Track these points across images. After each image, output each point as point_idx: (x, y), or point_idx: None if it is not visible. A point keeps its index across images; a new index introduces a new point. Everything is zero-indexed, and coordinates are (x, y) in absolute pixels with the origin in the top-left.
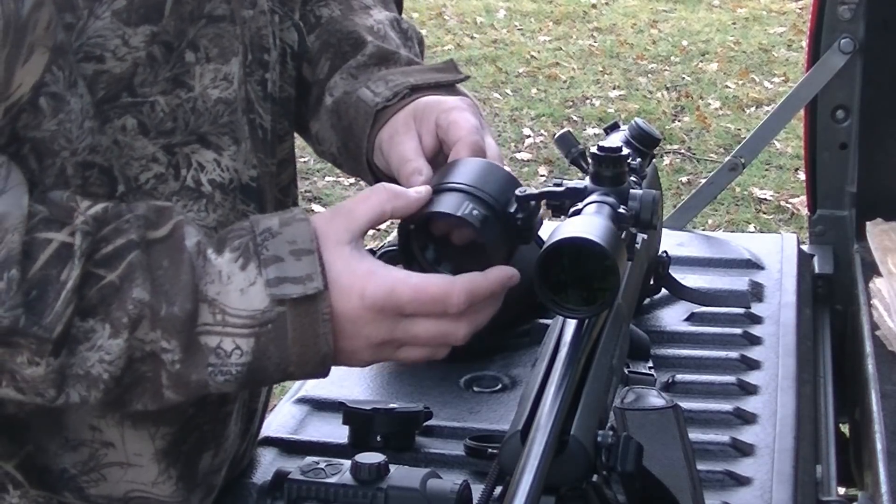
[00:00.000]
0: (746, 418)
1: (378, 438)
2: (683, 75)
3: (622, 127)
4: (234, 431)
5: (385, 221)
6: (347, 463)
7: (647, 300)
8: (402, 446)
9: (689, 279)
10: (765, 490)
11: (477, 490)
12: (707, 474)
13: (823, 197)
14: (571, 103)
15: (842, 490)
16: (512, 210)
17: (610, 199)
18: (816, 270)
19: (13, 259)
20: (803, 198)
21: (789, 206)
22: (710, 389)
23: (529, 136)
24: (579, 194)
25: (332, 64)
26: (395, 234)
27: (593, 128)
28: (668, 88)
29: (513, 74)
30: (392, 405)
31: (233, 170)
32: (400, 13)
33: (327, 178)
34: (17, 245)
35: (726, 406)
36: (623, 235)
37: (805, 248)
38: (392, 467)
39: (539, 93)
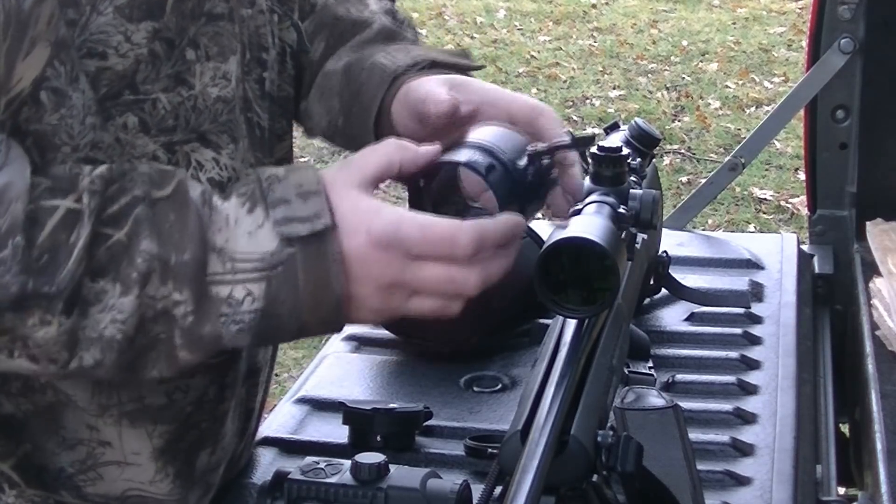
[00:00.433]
0: (746, 418)
1: (378, 438)
2: (683, 75)
3: (622, 127)
4: (231, 430)
5: (394, 173)
6: (347, 463)
7: (647, 300)
8: (402, 446)
9: (689, 279)
10: (765, 490)
11: (477, 490)
12: (707, 474)
13: (823, 197)
14: (571, 103)
15: (842, 490)
16: (522, 165)
17: (610, 199)
18: (816, 270)
19: (17, 226)
20: (803, 198)
21: (789, 206)
22: (710, 389)
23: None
24: (588, 143)
25: (327, 45)
26: None
27: (593, 128)
28: (668, 88)
29: (513, 74)
30: (392, 405)
31: (231, 168)
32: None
33: None
34: (21, 213)
35: (726, 406)
36: (623, 235)
37: (805, 248)
38: (392, 467)
39: (539, 93)
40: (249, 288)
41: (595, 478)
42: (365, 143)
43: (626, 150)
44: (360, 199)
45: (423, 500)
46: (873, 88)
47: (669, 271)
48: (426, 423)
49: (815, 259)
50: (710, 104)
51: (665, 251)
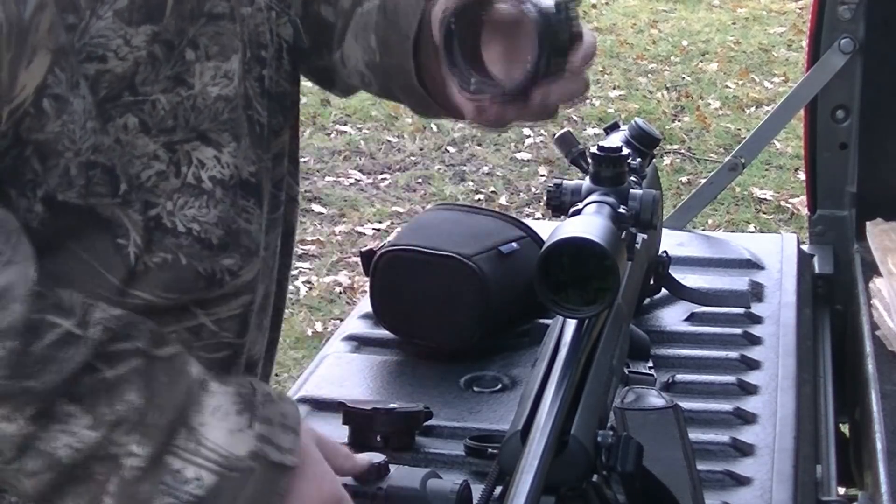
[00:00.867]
0: (746, 418)
1: (378, 438)
2: (683, 75)
3: (622, 127)
4: None
5: (342, 468)
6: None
7: (647, 300)
8: (402, 446)
9: (689, 279)
10: (765, 490)
11: (477, 490)
12: (707, 474)
13: (823, 197)
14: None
15: (842, 490)
16: (550, 9)
17: (610, 199)
18: (816, 270)
19: (15, 330)
20: (803, 198)
21: (789, 206)
22: (710, 389)
23: (529, 136)
24: None
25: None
26: (394, 234)
27: (593, 128)
28: (668, 88)
29: None
30: (392, 405)
31: (233, 166)
32: None
33: (327, 178)
34: (21, 317)
35: (726, 406)
36: (623, 235)
37: (805, 248)
38: (392, 467)
39: None
40: (201, 474)
41: (595, 478)
42: (404, 72)
43: (626, 150)
44: (322, 462)
45: (423, 500)
46: (873, 88)
47: (669, 271)
48: (426, 422)
49: (815, 259)
50: (710, 104)
51: (665, 251)
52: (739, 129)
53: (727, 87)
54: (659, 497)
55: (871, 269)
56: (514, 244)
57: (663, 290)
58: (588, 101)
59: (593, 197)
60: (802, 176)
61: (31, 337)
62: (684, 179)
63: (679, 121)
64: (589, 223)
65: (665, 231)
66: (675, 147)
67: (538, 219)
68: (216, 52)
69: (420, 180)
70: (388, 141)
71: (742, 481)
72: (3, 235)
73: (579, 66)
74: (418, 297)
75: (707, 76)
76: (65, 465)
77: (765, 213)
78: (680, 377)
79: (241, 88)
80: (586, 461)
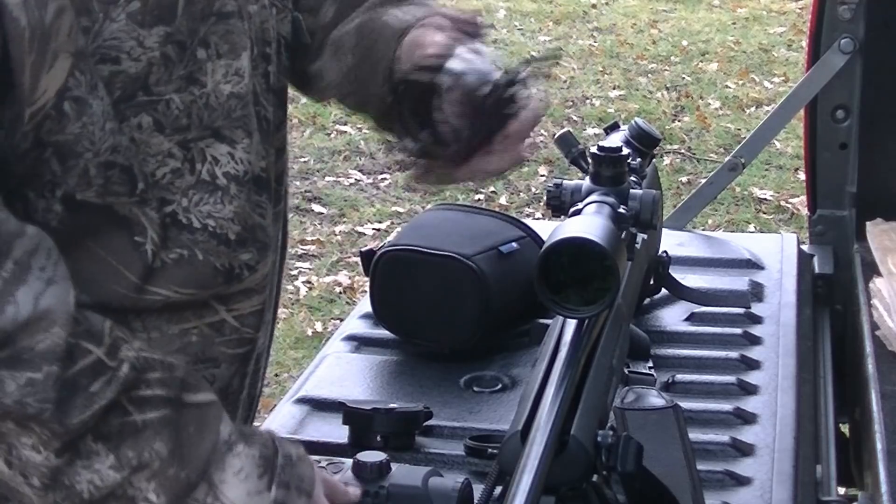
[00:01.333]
0: (746, 418)
1: (378, 438)
2: (683, 75)
3: (622, 127)
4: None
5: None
6: (349, 462)
7: (647, 300)
8: (402, 446)
9: (689, 279)
10: (765, 490)
11: (477, 490)
12: (707, 474)
13: (823, 197)
14: (571, 103)
15: (842, 490)
16: (482, 94)
17: (610, 199)
18: (816, 270)
19: (56, 355)
20: (803, 198)
21: (789, 206)
22: (710, 389)
23: (529, 136)
24: (554, 56)
25: (338, 8)
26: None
27: (593, 128)
28: (668, 88)
29: None
30: (392, 405)
31: (246, 162)
32: None
33: (327, 178)
34: (62, 341)
35: (726, 406)
36: (623, 235)
37: (805, 248)
38: (393, 465)
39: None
40: None
41: (595, 478)
42: (377, 98)
43: (626, 150)
44: None
45: (425, 498)
46: (873, 88)
47: (669, 271)
48: (426, 422)
49: (815, 259)
50: (710, 104)
51: (665, 251)
52: (739, 129)
53: (727, 87)
54: (659, 497)
55: (871, 269)
56: (514, 244)
57: (663, 290)
58: (588, 101)
59: (593, 197)
60: (802, 176)
61: (68, 362)
62: (684, 179)
63: (679, 121)
64: (589, 223)
65: (665, 231)
66: (675, 147)
67: (538, 219)
68: (227, 50)
69: None
70: (388, 141)
71: (742, 481)
72: (45, 252)
73: (511, 142)
74: (418, 297)
75: (707, 76)
76: (83, 499)
77: (765, 213)
78: (680, 377)
79: (251, 85)
80: (586, 461)
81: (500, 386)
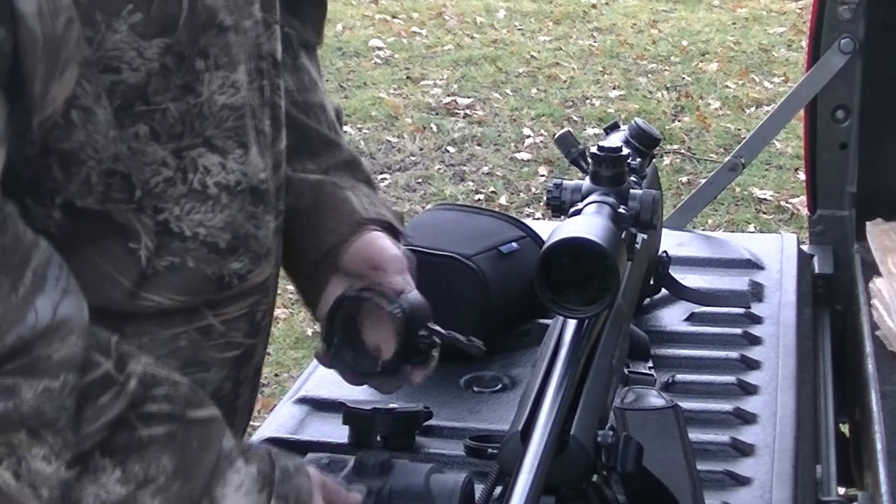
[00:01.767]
0: (746, 418)
1: (378, 438)
2: (683, 75)
3: (622, 127)
4: (241, 426)
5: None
6: (351, 459)
7: (647, 300)
8: (403, 446)
9: (689, 279)
10: (765, 490)
11: (477, 490)
12: (707, 474)
13: (823, 197)
14: (571, 103)
15: (842, 490)
16: (422, 334)
17: (610, 199)
18: (816, 270)
19: (73, 363)
20: (803, 198)
21: (789, 206)
22: (710, 389)
23: (529, 136)
24: (474, 349)
25: (294, 146)
26: None
27: (593, 128)
28: (668, 88)
29: (513, 74)
30: (392, 405)
31: (239, 173)
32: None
33: None
34: (80, 351)
35: (726, 406)
36: (623, 235)
37: (805, 248)
38: (395, 462)
39: (539, 93)
40: None
41: (595, 478)
42: (301, 257)
43: (626, 150)
44: None
45: (427, 496)
46: (873, 88)
47: (669, 271)
48: (426, 422)
49: (815, 259)
50: (710, 104)
51: (665, 251)
52: (739, 129)
53: (727, 87)
54: (659, 497)
55: (871, 269)
56: (514, 244)
57: (663, 290)
58: (588, 101)
59: (593, 197)
60: (802, 176)
61: (82, 373)
62: (684, 179)
63: (679, 121)
64: (589, 223)
65: (665, 231)
66: (675, 147)
67: (538, 219)
68: (225, 62)
69: (420, 180)
70: (388, 141)
71: (742, 481)
72: (57, 264)
73: (413, 381)
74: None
75: (707, 76)
76: None
77: (765, 213)
78: (680, 377)
79: (248, 98)
80: (586, 461)
81: (500, 386)
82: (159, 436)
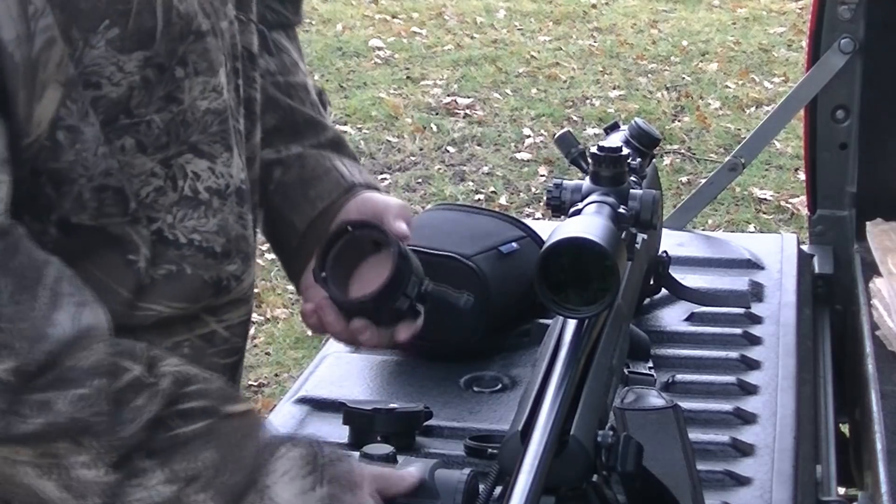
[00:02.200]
0: (746, 418)
1: (378, 438)
2: (683, 75)
3: (622, 127)
4: None
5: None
6: (355, 455)
7: (647, 300)
8: (403, 446)
9: (689, 279)
10: (765, 490)
11: None
12: (707, 474)
13: (823, 197)
14: (571, 103)
15: (842, 490)
16: (414, 282)
17: (610, 199)
18: (816, 270)
19: (101, 369)
20: (803, 198)
21: (789, 206)
22: (710, 389)
23: (529, 136)
24: None
25: (277, 128)
26: None
27: (593, 128)
28: (668, 88)
29: (513, 74)
30: (392, 405)
31: (227, 175)
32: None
33: None
34: (105, 357)
35: (726, 406)
36: (623, 235)
37: (805, 248)
38: (400, 458)
39: (539, 93)
40: None
41: (595, 478)
42: (289, 225)
43: (626, 150)
44: None
45: (432, 490)
46: (873, 88)
47: (669, 271)
48: (426, 423)
49: (815, 259)
50: (710, 104)
51: (665, 251)
52: (739, 129)
53: (727, 87)
54: (659, 497)
55: (871, 269)
56: (514, 244)
57: (663, 290)
58: (588, 101)
59: (593, 197)
60: (802, 176)
61: (113, 378)
62: (684, 179)
63: (679, 121)
64: (589, 223)
65: (665, 231)
66: (675, 147)
67: (538, 219)
68: (204, 68)
69: (420, 180)
70: (388, 141)
71: (742, 481)
72: (69, 279)
73: (398, 337)
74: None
75: (707, 76)
76: None
77: (765, 213)
78: (680, 377)
79: (228, 100)
80: (586, 461)
81: (500, 386)
82: (199, 431)
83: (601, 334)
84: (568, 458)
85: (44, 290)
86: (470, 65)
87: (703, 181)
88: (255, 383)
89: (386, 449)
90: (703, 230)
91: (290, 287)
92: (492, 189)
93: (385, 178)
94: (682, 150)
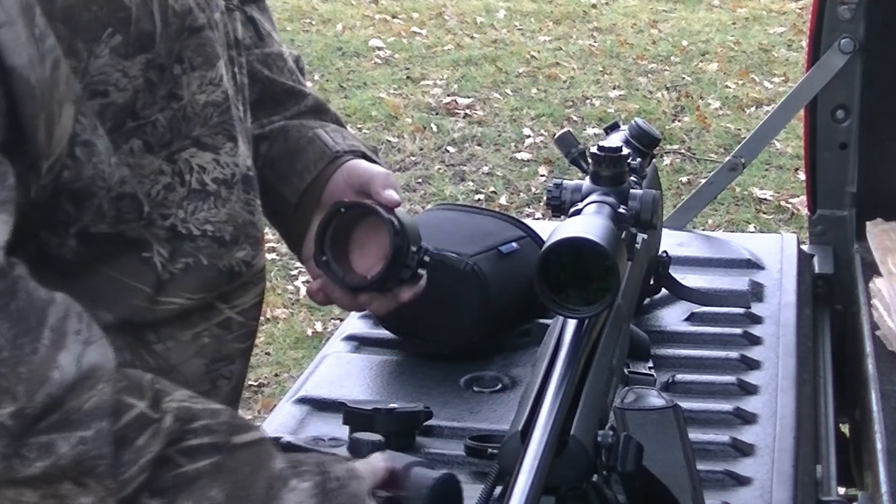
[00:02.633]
0: (746, 418)
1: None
2: (683, 75)
3: (622, 127)
4: None
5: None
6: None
7: (647, 300)
8: (403, 446)
9: (689, 279)
10: (765, 490)
11: (477, 490)
12: (707, 474)
13: (823, 197)
14: (571, 103)
15: (842, 490)
16: (412, 250)
17: (610, 199)
18: (816, 270)
19: (104, 411)
20: (803, 198)
21: (789, 206)
22: (710, 389)
23: (529, 136)
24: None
25: (258, 99)
26: None
27: (593, 128)
28: (668, 88)
29: (513, 74)
30: (392, 405)
31: (233, 164)
32: None
33: None
34: (109, 397)
35: (726, 406)
36: (623, 235)
37: (805, 248)
38: (389, 452)
39: (539, 93)
40: None
41: (595, 478)
42: (281, 199)
43: (626, 150)
44: None
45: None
46: (873, 88)
47: (669, 271)
48: (426, 422)
49: (815, 259)
50: (710, 104)
51: (665, 251)
52: (739, 129)
53: (727, 87)
54: (659, 497)
55: (871, 269)
56: (514, 244)
57: (663, 290)
58: (588, 101)
59: (593, 197)
60: (802, 176)
61: (115, 417)
62: (684, 179)
63: (679, 121)
64: (589, 223)
65: (665, 231)
66: (675, 147)
67: (538, 219)
68: (200, 62)
69: (420, 180)
70: (388, 141)
71: (742, 481)
72: (76, 316)
73: (402, 298)
74: (418, 296)
75: (707, 76)
76: None
77: (765, 213)
78: (680, 377)
79: (228, 90)
80: (586, 461)
81: (500, 386)
82: (205, 469)
83: (601, 334)
84: (568, 458)
85: (47, 332)
86: (470, 65)
87: (703, 181)
88: (255, 383)
89: (374, 437)
90: (703, 230)
91: (290, 287)
92: (492, 189)
93: None
94: (682, 150)
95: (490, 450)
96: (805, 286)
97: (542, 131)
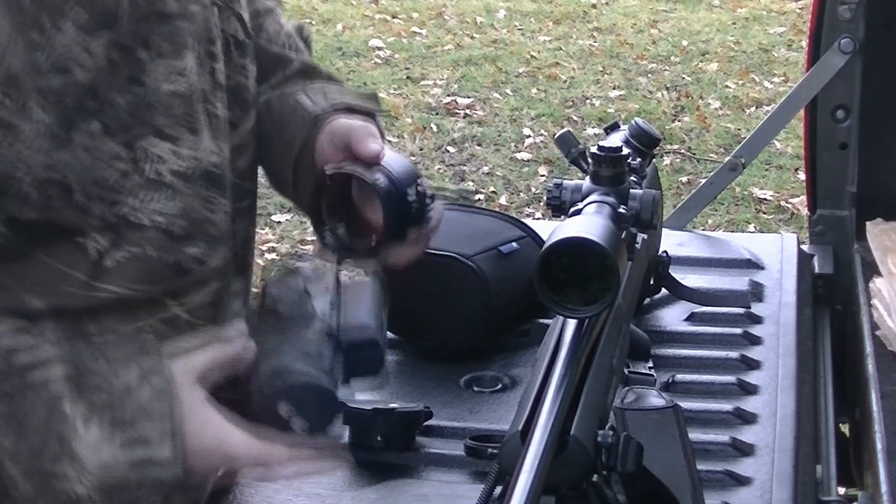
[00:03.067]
0: (746, 418)
1: (378, 438)
2: (683, 75)
3: (622, 127)
4: None
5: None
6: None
7: (647, 300)
8: (403, 446)
9: (689, 279)
10: (765, 490)
11: (476, 490)
12: (707, 474)
13: (823, 197)
14: (571, 103)
15: (842, 490)
16: (410, 198)
17: (610, 199)
18: (816, 270)
19: None
20: (803, 198)
21: (789, 206)
22: (710, 389)
23: (529, 136)
24: (466, 197)
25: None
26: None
27: (593, 128)
28: (668, 88)
29: (513, 74)
30: (392, 405)
31: (192, 158)
32: None
33: None
34: None
35: (726, 406)
36: (623, 235)
37: (805, 248)
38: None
39: (539, 93)
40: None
41: (595, 478)
42: (281, 173)
43: (626, 150)
44: (205, 418)
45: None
46: (873, 88)
47: (669, 271)
48: (426, 422)
49: (815, 259)
50: (710, 104)
51: (665, 251)
52: (739, 129)
53: (727, 87)
54: (659, 497)
55: (871, 269)
56: (514, 244)
57: (663, 290)
58: (588, 101)
59: (593, 197)
60: (802, 176)
61: None
62: (684, 179)
63: (679, 121)
64: (589, 223)
65: (665, 231)
66: (675, 147)
67: (538, 219)
68: (169, 50)
69: None
70: (389, 141)
71: (742, 481)
72: None
73: (419, 242)
74: (418, 296)
75: (707, 76)
76: None
77: (765, 213)
78: (680, 377)
79: (199, 84)
80: (586, 461)
81: (500, 386)
82: None
83: (601, 334)
84: (568, 458)
85: None
86: (470, 65)
87: (703, 181)
88: None
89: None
90: (703, 230)
91: None
92: (492, 189)
93: None
94: (682, 150)
95: (490, 450)
96: (805, 286)
97: (542, 131)
